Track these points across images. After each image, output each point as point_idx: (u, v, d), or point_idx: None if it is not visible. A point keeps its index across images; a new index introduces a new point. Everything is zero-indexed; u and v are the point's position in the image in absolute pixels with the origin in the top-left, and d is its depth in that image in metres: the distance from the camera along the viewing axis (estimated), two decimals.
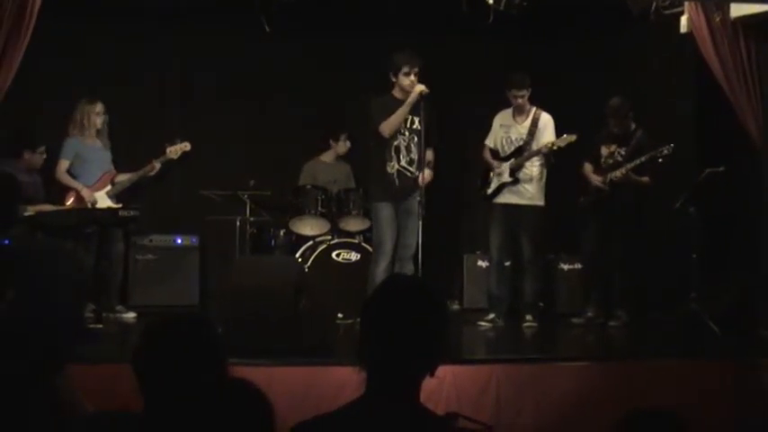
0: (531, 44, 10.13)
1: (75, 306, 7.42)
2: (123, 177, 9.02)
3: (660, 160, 8.29)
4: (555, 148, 8.31)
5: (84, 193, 8.73)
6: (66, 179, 8.80)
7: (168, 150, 9.05)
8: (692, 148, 9.00)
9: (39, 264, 7.21)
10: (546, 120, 8.52)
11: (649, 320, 8.65)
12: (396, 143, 7.87)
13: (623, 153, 8.62)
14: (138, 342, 2.91)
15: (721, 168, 8.09)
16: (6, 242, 7.48)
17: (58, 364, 3.07)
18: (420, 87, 7.66)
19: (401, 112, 7.75)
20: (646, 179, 8.50)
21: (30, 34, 7.16)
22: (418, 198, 7.56)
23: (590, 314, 8.78)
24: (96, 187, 8.84)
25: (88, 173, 8.87)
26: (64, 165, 8.81)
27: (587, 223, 8.90)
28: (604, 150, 8.77)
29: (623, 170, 8.48)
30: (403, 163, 7.87)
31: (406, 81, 7.76)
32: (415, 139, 7.78)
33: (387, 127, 7.80)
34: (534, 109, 8.55)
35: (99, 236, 8.59)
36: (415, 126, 7.80)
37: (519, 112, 8.59)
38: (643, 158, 8.39)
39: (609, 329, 8.53)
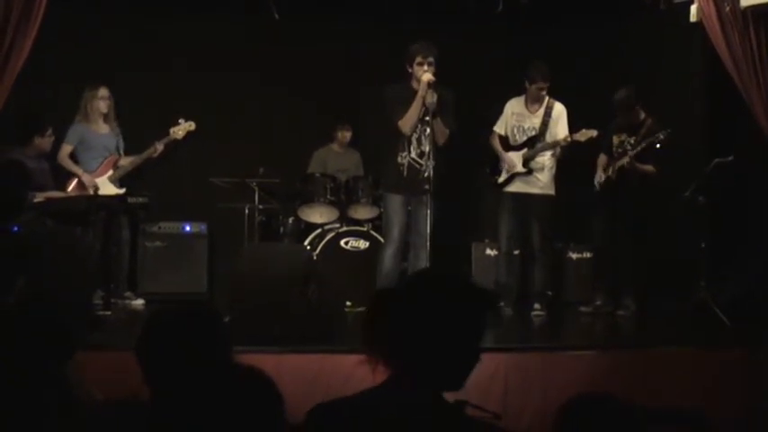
0: (539, 33, 10.10)
1: (83, 293, 7.44)
2: (126, 161, 9.00)
3: (658, 145, 8.27)
4: (570, 141, 8.28)
5: (85, 178, 8.73)
6: (68, 164, 8.81)
7: (171, 131, 8.99)
8: (702, 138, 8.99)
9: (48, 250, 7.23)
10: (559, 110, 8.49)
11: (658, 309, 8.64)
12: (409, 135, 7.86)
13: (632, 142, 8.61)
14: (140, 331, 2.92)
15: (730, 158, 8.08)
16: (16, 229, 7.51)
17: (68, 352, 3.08)
18: (427, 77, 7.63)
19: (415, 106, 7.70)
20: (650, 167, 8.48)
21: (39, 22, 7.17)
22: (426, 186, 7.55)
23: (598, 302, 8.79)
24: (99, 173, 8.83)
25: (91, 158, 8.87)
26: (66, 149, 8.81)
27: (598, 212, 8.91)
28: (615, 140, 8.76)
29: (627, 159, 8.46)
30: (413, 155, 7.84)
31: (420, 71, 7.74)
32: (427, 130, 7.74)
33: (405, 124, 7.76)
34: (548, 98, 8.52)
35: (107, 222, 8.59)
36: (426, 117, 7.76)
37: (533, 100, 8.56)
38: (642, 145, 8.38)
39: (617, 318, 8.53)
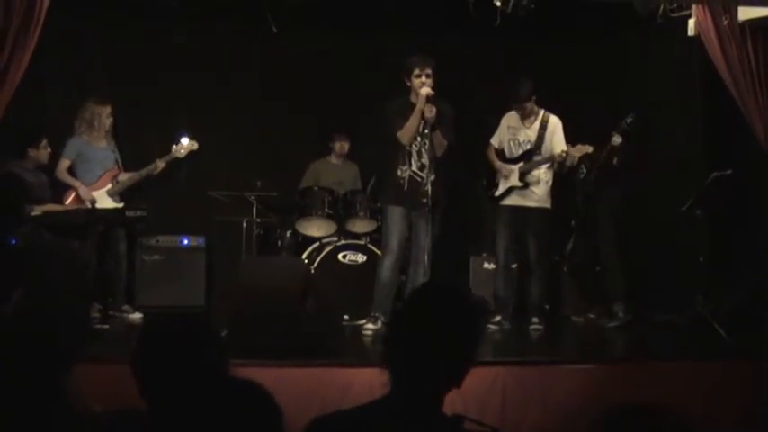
0: (537, 46, 10.12)
1: (81, 306, 7.43)
2: (125, 177, 9.01)
3: (630, 129, 8.42)
4: (566, 155, 8.29)
5: (82, 191, 8.75)
6: (65, 177, 8.82)
7: (174, 149, 9.05)
8: (700, 151, 9.00)
9: (45, 263, 7.22)
10: (554, 123, 8.50)
11: (656, 323, 8.65)
12: (409, 148, 7.89)
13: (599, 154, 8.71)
14: (135, 343, 2.91)
15: (728, 171, 8.09)
16: (13, 242, 7.50)
17: (65, 364, 3.07)
18: (425, 90, 7.67)
19: (414, 119, 7.77)
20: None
21: (38, 34, 7.17)
22: (424, 200, 7.57)
23: (591, 315, 8.87)
24: (96, 186, 8.85)
25: (90, 172, 8.89)
26: (64, 163, 8.84)
27: (579, 225, 9.01)
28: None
29: (618, 139, 8.49)
30: (414, 168, 7.89)
31: (418, 84, 7.78)
32: (426, 144, 7.79)
33: (404, 135, 7.85)
34: (543, 112, 8.53)
35: (104, 235, 8.60)
36: (425, 131, 7.80)
37: (527, 114, 8.58)
38: (618, 139, 8.46)
39: (609, 329, 8.56)
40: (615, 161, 8.60)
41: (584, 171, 8.76)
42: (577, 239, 9.21)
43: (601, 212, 8.82)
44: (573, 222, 9.09)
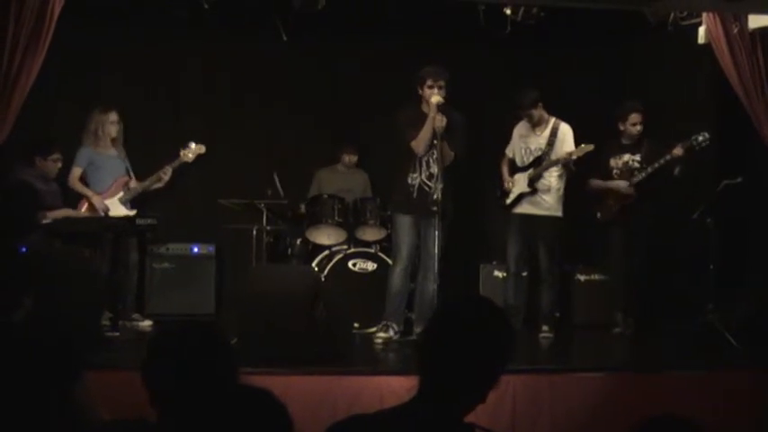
0: (547, 54, 10.12)
1: (91, 314, 7.44)
2: (136, 184, 9.00)
3: (698, 148, 8.32)
4: (574, 158, 8.32)
5: (95, 200, 8.73)
6: (79, 187, 8.81)
7: (182, 153, 9.01)
8: (710, 160, 8.98)
9: (56, 271, 7.23)
10: (565, 130, 8.51)
11: (666, 332, 8.62)
12: (419, 157, 7.90)
13: (639, 159, 8.64)
14: (145, 351, 2.91)
15: (738, 180, 8.07)
16: (24, 250, 7.51)
17: (75, 372, 3.07)
18: (436, 98, 7.68)
19: (427, 128, 7.77)
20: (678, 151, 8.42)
21: (48, 42, 7.18)
22: (434, 208, 7.57)
23: (603, 323, 8.88)
24: (109, 194, 8.84)
25: (101, 180, 8.87)
26: (76, 172, 8.82)
27: (611, 235, 8.90)
28: (614, 163, 8.79)
29: (681, 150, 8.39)
30: (423, 177, 7.90)
31: (429, 93, 7.78)
32: (435, 153, 7.79)
33: (418, 145, 7.85)
34: (553, 119, 8.55)
35: (115, 244, 8.60)
36: (435, 140, 7.80)
37: (537, 123, 8.58)
38: (680, 151, 8.36)
39: (622, 338, 8.55)
40: (675, 171, 8.53)
41: (638, 166, 8.70)
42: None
43: (637, 225, 8.75)
44: (599, 215, 8.95)
